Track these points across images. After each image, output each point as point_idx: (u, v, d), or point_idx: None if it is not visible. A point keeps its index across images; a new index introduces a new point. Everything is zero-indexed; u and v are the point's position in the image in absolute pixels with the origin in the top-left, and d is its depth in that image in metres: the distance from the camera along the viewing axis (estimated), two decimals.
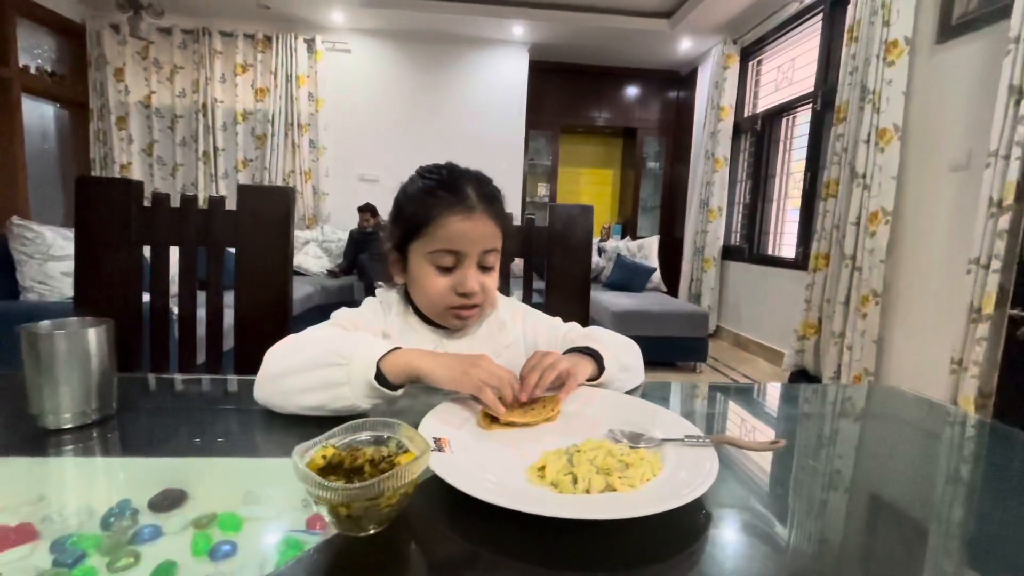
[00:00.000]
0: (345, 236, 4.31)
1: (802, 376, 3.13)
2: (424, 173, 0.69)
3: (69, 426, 0.50)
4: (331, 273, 4.15)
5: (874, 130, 2.58)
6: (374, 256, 3.90)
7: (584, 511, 0.36)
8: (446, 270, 0.66)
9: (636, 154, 5.46)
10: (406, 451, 0.38)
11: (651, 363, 3.75)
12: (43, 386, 0.49)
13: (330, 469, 0.36)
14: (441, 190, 0.66)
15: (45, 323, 0.51)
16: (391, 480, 0.33)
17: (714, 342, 4.29)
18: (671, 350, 3.38)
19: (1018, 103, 1.88)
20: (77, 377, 0.50)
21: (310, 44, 4.54)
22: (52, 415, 0.50)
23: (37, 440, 0.49)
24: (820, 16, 3.36)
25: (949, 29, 2.35)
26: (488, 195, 0.68)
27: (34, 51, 4.01)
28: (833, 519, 0.44)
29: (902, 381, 2.61)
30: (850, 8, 2.79)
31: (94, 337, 0.51)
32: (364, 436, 0.40)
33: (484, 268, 0.68)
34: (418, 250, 0.67)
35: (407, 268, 0.70)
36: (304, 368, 0.53)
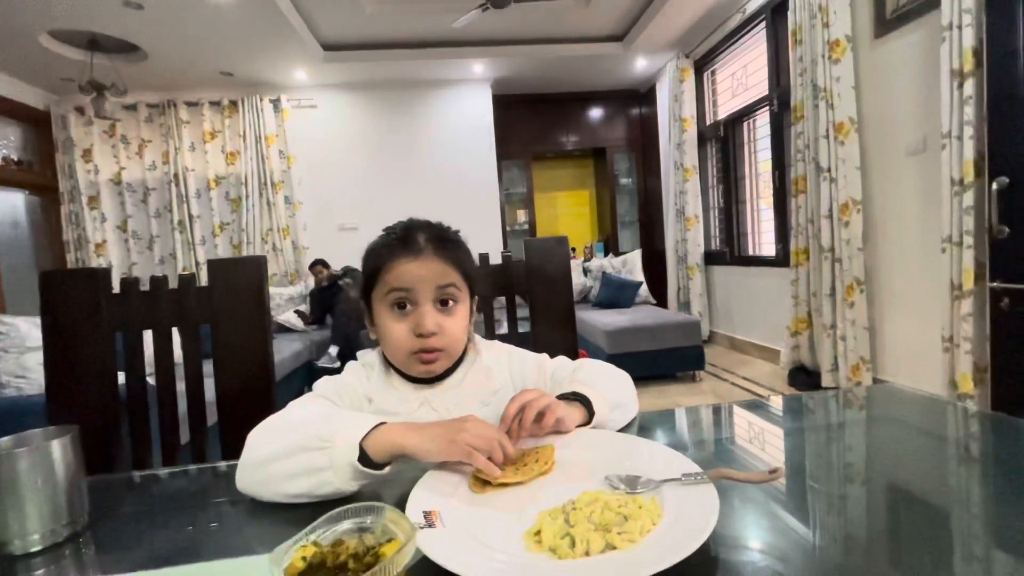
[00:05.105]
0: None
1: (801, 371, 3.12)
2: (384, 229, 0.73)
3: (38, 548, 0.47)
4: (300, 314, 4.11)
5: (831, 125, 2.66)
6: (339, 310, 3.94)
7: None
8: (403, 313, 0.67)
9: (608, 172, 5.57)
10: (392, 538, 0.36)
11: (651, 377, 3.80)
12: (7, 510, 0.46)
13: (311, 572, 0.34)
14: (395, 240, 0.69)
15: (4, 440, 0.49)
16: None
17: (710, 348, 4.28)
18: (668, 361, 3.36)
19: (961, 86, 1.95)
20: (43, 495, 0.47)
21: (276, 104, 4.61)
22: (19, 539, 0.47)
23: (3, 570, 0.46)
24: (763, 24, 3.50)
25: (885, 23, 2.46)
26: (438, 238, 0.70)
27: None
28: (846, 542, 0.43)
29: (900, 364, 2.62)
30: (790, 14, 2.92)
31: (59, 448, 0.49)
32: (347, 525, 0.38)
33: (444, 311, 0.68)
34: (376, 297, 0.69)
35: (373, 319, 0.71)
36: (285, 454, 0.52)
